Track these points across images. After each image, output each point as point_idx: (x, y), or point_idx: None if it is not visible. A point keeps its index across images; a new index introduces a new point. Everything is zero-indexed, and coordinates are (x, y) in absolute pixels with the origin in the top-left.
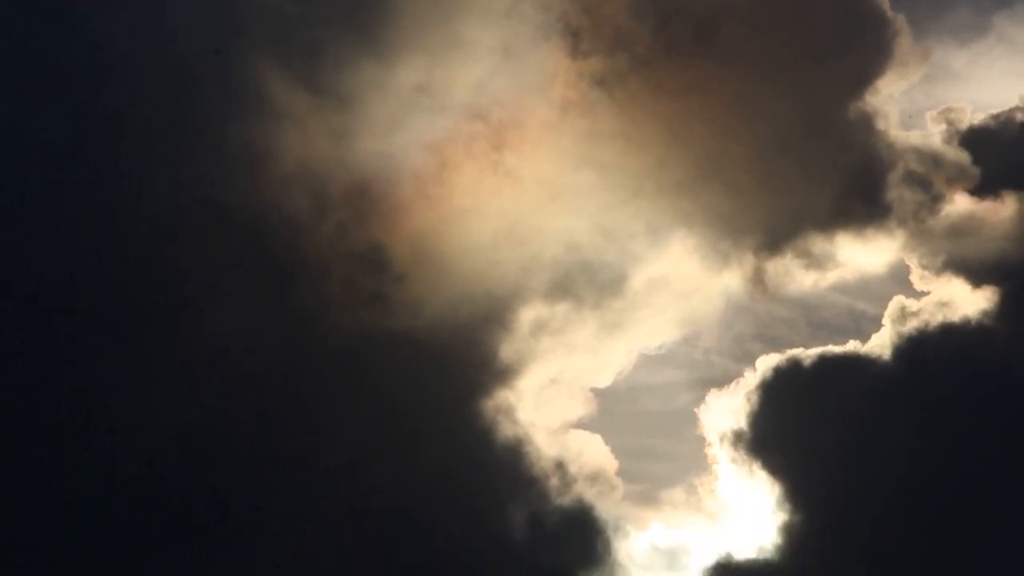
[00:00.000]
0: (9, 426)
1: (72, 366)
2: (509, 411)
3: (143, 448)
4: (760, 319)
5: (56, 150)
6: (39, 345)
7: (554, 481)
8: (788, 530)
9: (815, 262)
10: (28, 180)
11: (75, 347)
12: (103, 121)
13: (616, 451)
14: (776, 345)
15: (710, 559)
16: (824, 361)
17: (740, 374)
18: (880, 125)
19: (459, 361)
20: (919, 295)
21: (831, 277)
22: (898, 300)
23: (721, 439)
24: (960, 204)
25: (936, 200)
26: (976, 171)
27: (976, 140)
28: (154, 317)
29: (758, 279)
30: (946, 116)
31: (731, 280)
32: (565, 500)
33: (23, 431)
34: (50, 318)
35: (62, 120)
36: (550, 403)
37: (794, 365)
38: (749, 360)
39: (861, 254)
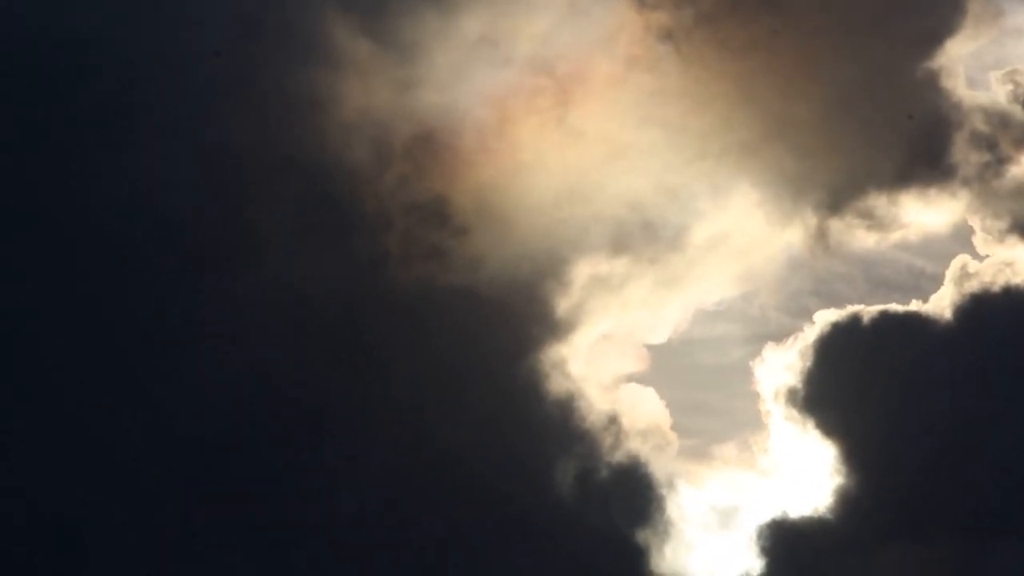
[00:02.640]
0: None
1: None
2: (562, 366)
3: (200, 393)
4: (819, 275)
5: (126, 100)
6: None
7: (606, 436)
8: (843, 491)
9: (877, 223)
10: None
11: (136, 291)
12: (168, 68)
13: (670, 406)
14: (835, 301)
15: (764, 517)
16: (883, 319)
17: (798, 330)
18: (946, 85)
19: (515, 316)
20: (982, 257)
21: (893, 237)
22: (961, 259)
23: (775, 395)
24: None
25: (1001, 162)
26: None
27: None
28: (213, 263)
29: (820, 237)
30: (1012, 77)
31: (792, 237)
32: (617, 456)
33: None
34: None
35: (127, 68)
36: (604, 358)
37: (852, 322)
38: (807, 315)
39: (924, 214)
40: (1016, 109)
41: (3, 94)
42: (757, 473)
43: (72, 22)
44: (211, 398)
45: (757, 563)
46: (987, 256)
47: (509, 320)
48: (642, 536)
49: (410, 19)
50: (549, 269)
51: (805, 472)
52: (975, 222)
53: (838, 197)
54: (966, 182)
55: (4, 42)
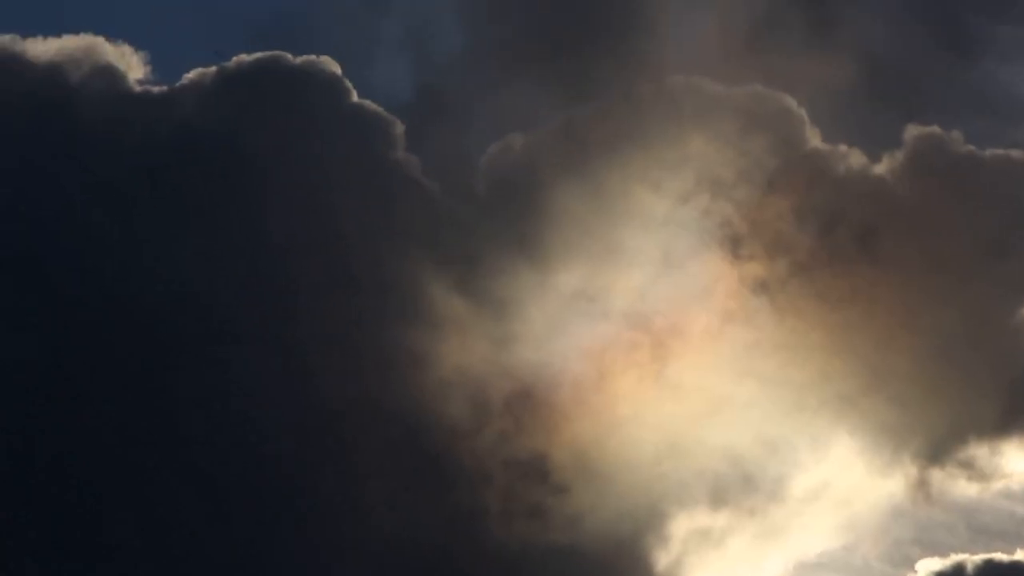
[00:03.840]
0: None
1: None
2: None
3: None
4: (921, 524)
5: (227, 356)
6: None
7: None
8: None
9: (979, 473)
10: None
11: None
12: (261, 330)
13: None
14: (938, 550)
15: None
16: (987, 567)
17: None
18: None
19: (615, 572)
20: None
21: (996, 485)
22: None
23: None
24: None
25: None
26: None
27: None
28: (315, 515)
29: (921, 487)
30: None
31: (893, 487)
32: None
33: None
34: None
35: (226, 323)
36: None
37: (956, 571)
38: (908, 564)
39: None
40: None
41: (102, 342)
42: None
43: (171, 279)
44: None
45: None
46: None
47: None
48: None
49: (505, 275)
50: (648, 524)
51: None
52: None
53: (938, 447)
54: None
55: (99, 292)
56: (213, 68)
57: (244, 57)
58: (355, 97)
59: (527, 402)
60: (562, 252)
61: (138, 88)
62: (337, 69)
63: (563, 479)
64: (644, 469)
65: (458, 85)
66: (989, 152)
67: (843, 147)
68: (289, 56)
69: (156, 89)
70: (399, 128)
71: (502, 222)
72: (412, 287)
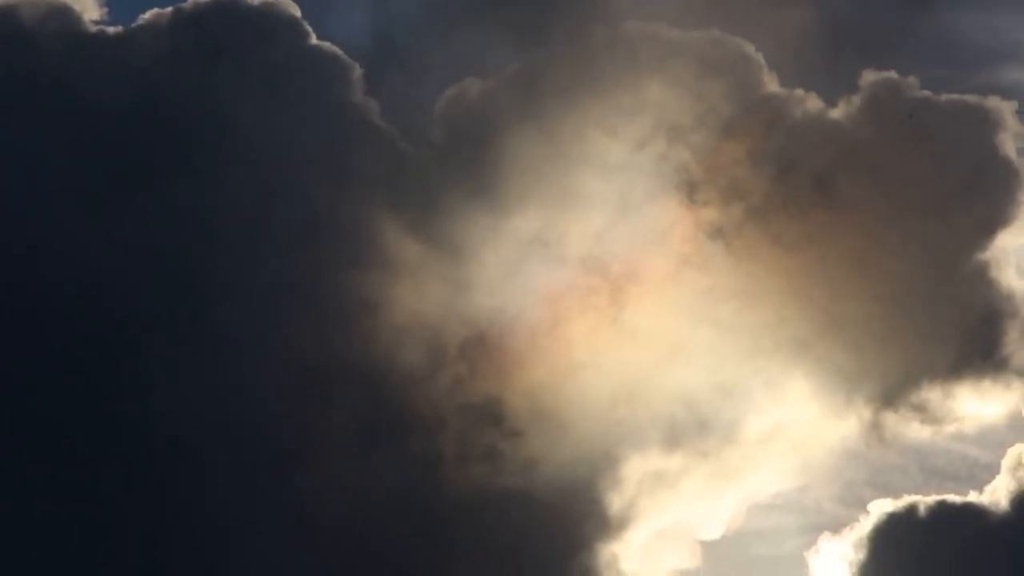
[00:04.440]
0: None
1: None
2: (615, 563)
3: None
4: (874, 466)
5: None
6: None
7: None
8: None
9: (931, 416)
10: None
11: (187, 496)
12: (218, 277)
13: None
14: (890, 492)
15: None
16: (939, 508)
17: (853, 520)
18: (998, 275)
19: (568, 514)
20: None
21: (948, 428)
22: (1016, 448)
23: None
24: None
25: None
26: None
27: None
28: (268, 467)
29: (874, 429)
30: None
31: (847, 429)
32: None
33: None
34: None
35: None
36: (657, 554)
37: (908, 512)
38: (861, 505)
39: (979, 405)
40: None
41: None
42: None
43: (125, 221)
44: None
45: None
46: None
47: (562, 518)
48: None
49: (461, 220)
50: (602, 467)
51: None
52: None
53: (892, 390)
54: (1020, 372)
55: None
56: (169, 9)
57: None
58: (313, 40)
59: (482, 347)
60: (518, 197)
61: (93, 29)
62: (296, 11)
63: (518, 423)
64: (599, 413)
65: (416, 29)
66: (944, 98)
67: (800, 92)
68: None
69: (111, 30)
70: (357, 72)
71: (458, 167)
72: (368, 231)
